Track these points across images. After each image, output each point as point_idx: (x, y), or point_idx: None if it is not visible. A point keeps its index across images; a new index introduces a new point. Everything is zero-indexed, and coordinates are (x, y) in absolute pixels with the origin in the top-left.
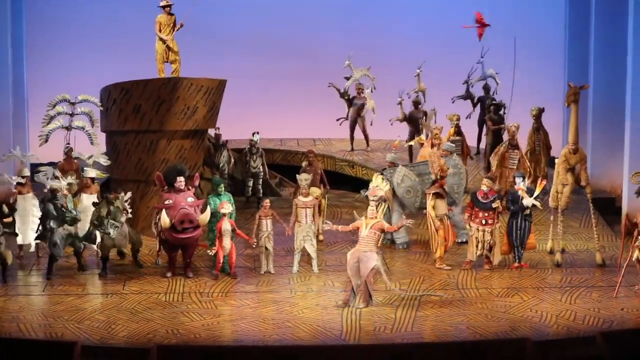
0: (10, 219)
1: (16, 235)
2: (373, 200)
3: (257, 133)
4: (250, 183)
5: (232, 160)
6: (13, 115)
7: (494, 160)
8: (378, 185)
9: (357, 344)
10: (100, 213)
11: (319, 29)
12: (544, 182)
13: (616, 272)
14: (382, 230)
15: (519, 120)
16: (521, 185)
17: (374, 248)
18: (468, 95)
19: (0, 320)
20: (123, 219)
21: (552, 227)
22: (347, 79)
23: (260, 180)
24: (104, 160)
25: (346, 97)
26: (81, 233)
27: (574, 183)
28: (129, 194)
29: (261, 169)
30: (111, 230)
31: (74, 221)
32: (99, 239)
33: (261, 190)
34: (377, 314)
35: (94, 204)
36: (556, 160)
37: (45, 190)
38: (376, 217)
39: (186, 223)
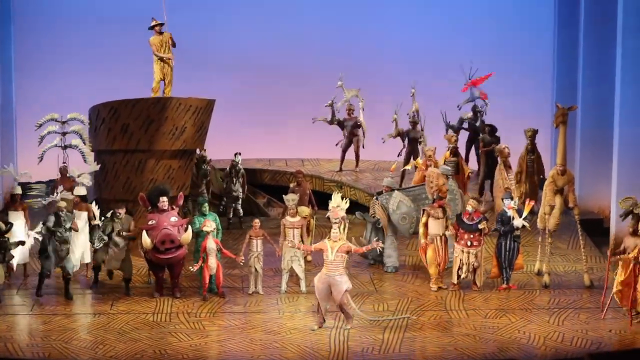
0: (10, 234)
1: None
2: (335, 222)
3: (239, 154)
4: (232, 205)
5: (217, 178)
6: (1, 135)
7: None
8: (339, 205)
9: None
10: (106, 228)
11: (308, 50)
12: (532, 203)
13: (609, 294)
14: (349, 252)
15: (507, 142)
16: (512, 204)
17: (343, 271)
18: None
19: None
20: (122, 243)
21: (540, 248)
22: (330, 105)
23: (239, 202)
24: (87, 181)
25: (336, 122)
26: (74, 252)
27: (562, 204)
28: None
29: (241, 192)
30: (96, 242)
31: (61, 240)
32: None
33: (241, 210)
34: (365, 335)
35: (104, 218)
36: (545, 182)
37: (45, 204)
38: (341, 239)
39: (167, 243)
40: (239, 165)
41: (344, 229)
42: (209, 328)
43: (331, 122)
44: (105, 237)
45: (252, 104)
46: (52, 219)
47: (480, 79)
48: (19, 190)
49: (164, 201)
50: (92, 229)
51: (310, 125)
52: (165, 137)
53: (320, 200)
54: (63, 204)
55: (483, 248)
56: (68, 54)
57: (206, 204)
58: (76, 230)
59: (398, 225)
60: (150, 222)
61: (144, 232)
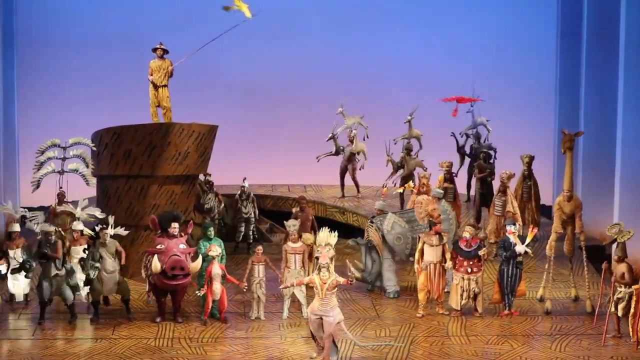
0: (3, 262)
1: (3, 279)
2: (324, 267)
3: (246, 179)
4: (242, 228)
5: (222, 205)
6: (4, 159)
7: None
8: (328, 243)
9: None
10: (90, 256)
11: (311, 75)
12: (536, 230)
13: (606, 319)
14: (338, 285)
15: (509, 168)
16: (513, 229)
17: (335, 304)
18: (461, 149)
19: None
20: (113, 266)
21: (545, 275)
22: (332, 138)
23: (252, 225)
24: (99, 213)
25: (342, 151)
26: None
27: (573, 231)
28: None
29: (252, 215)
30: (91, 272)
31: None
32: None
33: (252, 236)
34: None
35: (84, 249)
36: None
37: (37, 235)
38: (330, 276)
39: (177, 270)
40: (247, 189)
41: (332, 269)
42: (211, 353)
43: (337, 153)
44: (98, 265)
45: (255, 129)
46: (33, 252)
47: (467, 99)
48: (16, 228)
49: (175, 227)
50: (84, 260)
51: (312, 151)
52: (168, 163)
53: (323, 226)
54: (49, 229)
55: (483, 274)
56: (71, 78)
57: (212, 229)
58: (58, 258)
59: (394, 246)
60: (159, 246)
61: (155, 257)
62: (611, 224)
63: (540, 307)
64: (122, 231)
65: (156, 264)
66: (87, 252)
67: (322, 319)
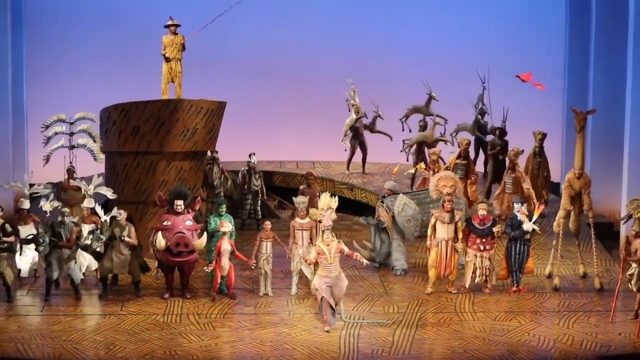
0: (12, 238)
1: (14, 253)
2: (327, 229)
3: (254, 154)
4: (248, 203)
5: (229, 180)
6: (12, 136)
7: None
8: (330, 207)
9: None
10: (102, 228)
11: (320, 51)
12: (542, 207)
13: (613, 297)
14: (342, 252)
15: (518, 145)
16: (523, 208)
17: (340, 268)
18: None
19: None
20: (126, 249)
21: (553, 251)
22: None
23: (259, 200)
24: (110, 194)
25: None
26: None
27: (580, 208)
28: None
29: (261, 187)
30: (94, 244)
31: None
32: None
33: (260, 212)
34: (375, 337)
35: (98, 228)
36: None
37: (46, 213)
38: (333, 240)
39: (181, 246)
40: (254, 164)
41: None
42: (220, 329)
43: (371, 128)
44: (103, 237)
45: (263, 106)
46: (49, 231)
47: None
48: (26, 205)
49: (179, 204)
50: (90, 232)
51: (321, 127)
52: (176, 139)
53: None
54: (67, 210)
55: (495, 252)
56: (79, 56)
57: (224, 205)
58: (71, 246)
59: (403, 228)
60: (165, 223)
61: (159, 233)
62: (630, 200)
63: (549, 283)
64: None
65: (160, 241)
66: (104, 223)
67: (331, 287)
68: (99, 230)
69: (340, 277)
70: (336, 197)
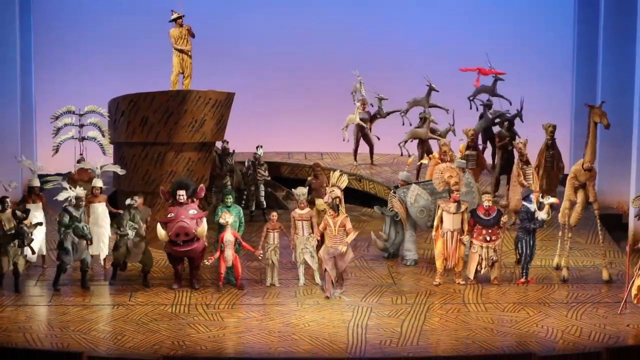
0: (29, 221)
1: (24, 243)
2: (329, 204)
3: (261, 146)
4: (253, 194)
5: (237, 172)
6: (21, 126)
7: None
8: (334, 185)
9: (363, 357)
10: (125, 217)
11: (328, 42)
12: (555, 200)
13: (623, 288)
14: (344, 226)
15: (527, 137)
16: (538, 196)
17: (344, 241)
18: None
19: (7, 330)
20: (143, 234)
21: (560, 243)
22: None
23: (263, 191)
24: (119, 170)
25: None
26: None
27: (584, 199)
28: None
29: (267, 177)
30: (129, 232)
31: (80, 235)
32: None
33: (264, 202)
34: (383, 328)
35: (111, 214)
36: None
37: (67, 198)
38: (339, 214)
39: (182, 236)
40: (260, 156)
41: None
42: (228, 320)
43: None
44: (136, 226)
45: (272, 96)
46: (66, 216)
47: (489, 70)
48: (36, 183)
49: (181, 194)
50: (121, 220)
51: (330, 118)
52: (184, 130)
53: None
54: (82, 193)
55: (502, 242)
56: (88, 46)
57: (230, 196)
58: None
59: (416, 219)
60: (169, 215)
61: (159, 225)
62: (636, 196)
63: (557, 275)
64: (81, 192)
65: (160, 232)
66: (124, 212)
67: (335, 258)
68: (129, 219)
69: (344, 250)
70: (345, 176)
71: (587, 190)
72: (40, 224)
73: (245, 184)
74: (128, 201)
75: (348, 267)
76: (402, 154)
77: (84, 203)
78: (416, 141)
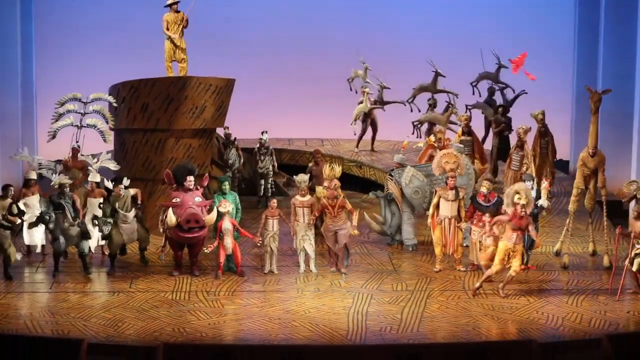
0: (17, 219)
1: (15, 233)
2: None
3: (266, 132)
4: (262, 182)
5: (242, 159)
6: (22, 112)
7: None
8: (334, 177)
9: (363, 344)
10: (104, 211)
11: (327, 28)
12: (547, 183)
13: (621, 274)
14: (344, 206)
15: (527, 123)
16: (546, 184)
17: (345, 219)
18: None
19: (7, 317)
20: (131, 214)
21: (564, 230)
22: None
23: (270, 180)
24: (113, 166)
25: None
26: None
27: (595, 186)
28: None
29: (270, 169)
30: (104, 228)
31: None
32: (99, 242)
33: (270, 190)
34: (383, 314)
35: (101, 204)
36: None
37: (54, 185)
38: (338, 196)
39: (192, 223)
40: (267, 142)
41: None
42: (228, 307)
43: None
44: (110, 220)
45: (272, 83)
46: (46, 203)
47: (520, 59)
48: (33, 175)
49: (190, 180)
50: (97, 217)
51: (331, 105)
52: (185, 116)
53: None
54: (65, 180)
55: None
56: (88, 32)
57: (227, 182)
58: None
59: (411, 199)
60: (174, 200)
61: (170, 210)
62: (628, 181)
63: (557, 261)
64: (64, 179)
65: (171, 218)
66: (101, 207)
67: (336, 233)
68: (102, 215)
69: (345, 226)
70: (340, 167)
71: (598, 175)
72: (36, 223)
73: (250, 171)
74: (107, 184)
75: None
76: (413, 133)
77: (68, 189)
78: (425, 126)
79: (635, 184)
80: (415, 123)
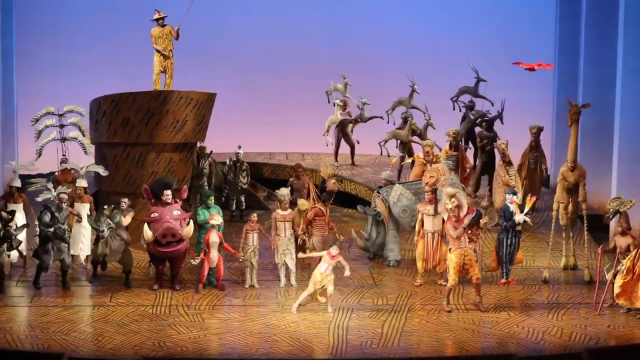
0: (14, 223)
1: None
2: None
3: (240, 147)
4: (235, 197)
5: (218, 172)
6: (2, 126)
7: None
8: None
9: (344, 358)
10: (113, 218)
11: (309, 43)
12: (534, 199)
13: (604, 289)
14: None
15: (508, 138)
16: (515, 199)
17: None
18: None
19: None
20: (125, 235)
21: (564, 244)
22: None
23: (243, 193)
24: (102, 171)
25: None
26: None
27: (576, 200)
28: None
29: (245, 184)
30: (106, 229)
31: (59, 236)
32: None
33: (243, 202)
34: (364, 329)
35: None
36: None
37: (51, 198)
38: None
39: (169, 237)
40: (242, 157)
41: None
42: (208, 321)
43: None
44: (113, 225)
45: (253, 97)
46: (47, 215)
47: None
48: (17, 183)
49: (167, 194)
50: (98, 216)
51: (311, 119)
52: (166, 130)
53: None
54: (64, 193)
55: (483, 243)
56: (69, 46)
57: (212, 197)
58: (79, 220)
59: (399, 218)
60: (153, 215)
61: (146, 225)
62: (611, 198)
63: (538, 275)
64: (65, 190)
65: (147, 233)
66: (106, 209)
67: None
68: (109, 217)
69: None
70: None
71: (579, 189)
72: (27, 225)
73: (226, 184)
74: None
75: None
76: (381, 154)
77: (66, 204)
78: (397, 142)
79: (619, 200)
80: (380, 143)
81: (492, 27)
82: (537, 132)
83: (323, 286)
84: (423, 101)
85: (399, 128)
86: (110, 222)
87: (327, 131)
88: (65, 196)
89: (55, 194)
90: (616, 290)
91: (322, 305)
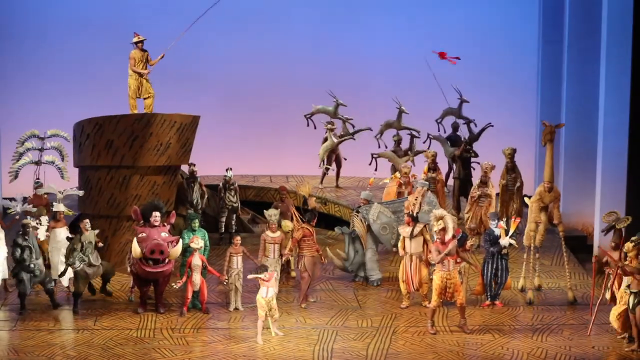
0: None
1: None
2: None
3: (230, 169)
4: (224, 219)
5: (206, 195)
6: None
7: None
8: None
9: None
10: (74, 246)
11: (292, 66)
12: (518, 220)
13: (588, 310)
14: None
15: (490, 158)
16: (502, 223)
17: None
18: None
19: None
20: (96, 259)
21: (524, 265)
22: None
23: (234, 215)
24: (80, 193)
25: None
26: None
27: (547, 221)
28: (96, 231)
29: (237, 204)
30: (77, 262)
31: (30, 271)
32: (69, 275)
33: (234, 226)
34: (349, 351)
35: (68, 238)
36: (531, 199)
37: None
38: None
39: (156, 253)
40: (232, 179)
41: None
42: (193, 344)
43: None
44: (86, 258)
45: (236, 120)
46: (17, 250)
47: (445, 55)
48: None
49: (156, 217)
50: (71, 250)
51: (295, 141)
52: (149, 153)
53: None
54: (31, 222)
55: (468, 267)
56: (52, 70)
57: (197, 220)
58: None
59: (379, 236)
60: (140, 235)
61: (135, 241)
62: (607, 212)
63: (522, 297)
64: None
65: (136, 248)
66: (71, 241)
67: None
68: (80, 250)
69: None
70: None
71: (552, 211)
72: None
73: (214, 207)
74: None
75: (314, 289)
76: (375, 170)
77: (31, 230)
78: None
79: (615, 215)
80: (375, 155)
81: (475, 48)
82: (512, 153)
83: (270, 309)
84: (409, 122)
85: (393, 151)
86: (82, 255)
87: (323, 161)
88: (29, 222)
89: (19, 209)
90: (612, 318)
91: (307, 326)
